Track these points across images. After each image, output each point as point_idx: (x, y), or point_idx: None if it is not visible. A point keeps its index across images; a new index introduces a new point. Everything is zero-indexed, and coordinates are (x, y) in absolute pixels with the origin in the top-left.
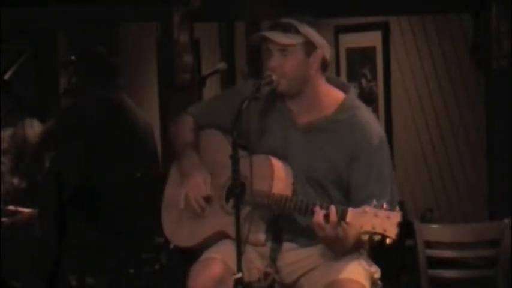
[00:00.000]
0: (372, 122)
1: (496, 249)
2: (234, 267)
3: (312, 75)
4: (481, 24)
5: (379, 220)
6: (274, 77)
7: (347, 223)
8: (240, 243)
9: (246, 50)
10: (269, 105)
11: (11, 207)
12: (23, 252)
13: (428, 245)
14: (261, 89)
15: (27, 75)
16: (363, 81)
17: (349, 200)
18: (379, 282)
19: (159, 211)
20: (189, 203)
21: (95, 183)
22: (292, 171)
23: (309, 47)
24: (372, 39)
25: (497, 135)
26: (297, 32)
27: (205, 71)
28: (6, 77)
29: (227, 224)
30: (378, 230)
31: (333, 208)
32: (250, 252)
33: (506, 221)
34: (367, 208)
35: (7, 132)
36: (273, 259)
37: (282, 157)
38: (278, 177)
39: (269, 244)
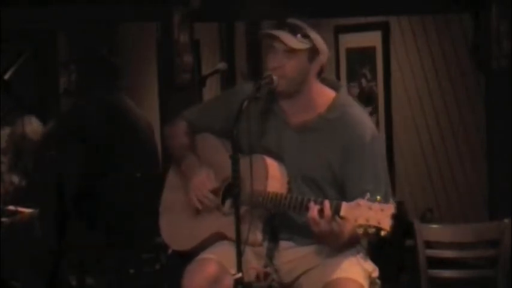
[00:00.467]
0: (364, 119)
1: (496, 249)
2: (230, 267)
3: (310, 78)
4: (481, 24)
5: (373, 213)
6: (274, 77)
7: (341, 217)
8: (239, 243)
9: (246, 50)
10: (263, 106)
11: (11, 207)
12: (23, 252)
13: (428, 245)
14: (261, 89)
15: (27, 75)
16: (363, 81)
17: (344, 198)
18: (378, 281)
19: (159, 211)
20: (194, 202)
21: (95, 184)
22: (287, 171)
23: (313, 52)
24: (372, 39)
25: (497, 135)
26: (305, 35)
27: (205, 71)
28: (6, 77)
29: (224, 224)
30: (372, 222)
31: (326, 203)
32: (246, 252)
33: (506, 221)
34: (361, 201)
35: (6, 131)
36: (270, 258)
37: (277, 158)
38: (272, 176)
39: (265, 244)
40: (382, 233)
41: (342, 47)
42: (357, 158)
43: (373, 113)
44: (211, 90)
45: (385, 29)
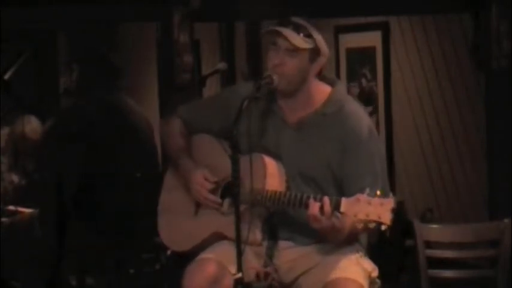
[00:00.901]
0: (361, 114)
1: (496, 249)
2: (229, 267)
3: (309, 78)
4: (481, 24)
5: (373, 207)
6: (274, 77)
7: (341, 213)
8: (240, 243)
9: (246, 50)
10: (261, 106)
11: (11, 207)
12: (23, 252)
13: (428, 245)
14: (261, 88)
15: (27, 75)
16: (363, 81)
17: (343, 194)
18: (378, 281)
19: (157, 212)
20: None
21: (95, 184)
22: (286, 169)
23: (315, 53)
24: (372, 39)
25: (497, 135)
26: (308, 35)
27: (205, 71)
28: (6, 77)
29: (223, 224)
30: (372, 217)
31: (326, 199)
32: (246, 252)
33: (506, 221)
34: (360, 196)
35: (5, 131)
36: (269, 258)
37: (275, 156)
38: (271, 175)
39: (265, 243)
40: (383, 227)
41: (342, 47)
42: (354, 153)
43: (373, 113)
44: (211, 90)
45: (385, 29)
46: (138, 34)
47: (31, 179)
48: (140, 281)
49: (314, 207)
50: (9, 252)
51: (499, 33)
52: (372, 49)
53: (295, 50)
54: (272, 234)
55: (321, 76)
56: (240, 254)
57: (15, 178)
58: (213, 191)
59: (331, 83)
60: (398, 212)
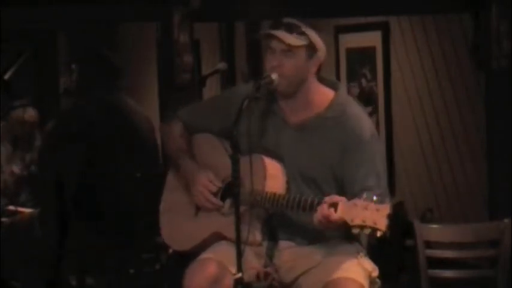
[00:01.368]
0: (363, 118)
1: (496, 249)
2: (230, 267)
3: (309, 77)
4: (481, 24)
5: (369, 213)
6: (274, 77)
7: (338, 218)
8: (239, 243)
9: (246, 50)
10: (262, 106)
11: (11, 207)
12: (23, 252)
13: (428, 245)
14: (261, 89)
15: (27, 75)
16: (363, 81)
17: (344, 196)
18: (378, 281)
19: (159, 211)
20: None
21: (95, 184)
22: (286, 170)
23: (311, 49)
24: (372, 39)
25: (497, 135)
26: (301, 33)
27: (205, 71)
28: (6, 77)
29: (223, 225)
30: (368, 223)
31: (324, 205)
32: (246, 252)
33: (506, 221)
34: (357, 201)
35: (4, 122)
36: (270, 258)
37: (276, 157)
38: (271, 176)
39: (265, 243)
40: (378, 234)
41: (342, 47)
42: (356, 156)
43: (373, 113)
44: (211, 90)
45: (385, 29)
46: (138, 34)
47: (29, 171)
48: (140, 281)
49: (321, 213)
50: (9, 252)
51: (499, 33)
52: (372, 49)
53: (290, 49)
54: (272, 235)
55: (323, 79)
56: (240, 254)
57: (15, 169)
58: (214, 193)
59: (334, 87)
60: (398, 212)
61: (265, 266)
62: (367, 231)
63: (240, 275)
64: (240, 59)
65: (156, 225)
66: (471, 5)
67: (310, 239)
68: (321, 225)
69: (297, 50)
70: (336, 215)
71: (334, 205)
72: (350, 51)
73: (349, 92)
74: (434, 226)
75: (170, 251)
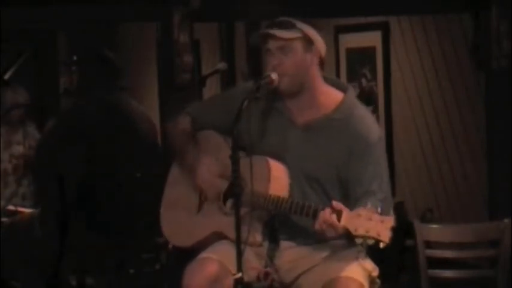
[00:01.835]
0: (370, 120)
1: (496, 249)
2: (230, 267)
3: (311, 72)
4: (481, 24)
5: (373, 224)
6: (274, 77)
7: (341, 226)
8: (239, 243)
9: (246, 50)
10: (268, 105)
11: (11, 207)
12: (23, 252)
13: (428, 245)
14: (261, 89)
15: (27, 75)
16: (363, 81)
17: (348, 199)
18: (378, 281)
19: (159, 211)
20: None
21: (95, 184)
22: (289, 172)
23: (307, 42)
24: (372, 39)
25: (497, 135)
26: (293, 27)
27: (205, 71)
28: (6, 77)
29: (224, 224)
30: (372, 234)
31: (327, 210)
32: (247, 252)
33: (506, 221)
34: (362, 211)
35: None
36: (270, 258)
37: (281, 157)
38: (275, 179)
39: (266, 244)
40: (381, 245)
41: (342, 47)
42: (362, 158)
43: (373, 113)
44: (211, 90)
45: (385, 29)
46: (138, 34)
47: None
48: (140, 281)
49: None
50: (9, 252)
51: (499, 33)
52: (372, 49)
53: (286, 45)
54: (273, 236)
55: (330, 79)
56: (240, 254)
57: (14, 153)
58: (216, 190)
59: (342, 89)
60: (399, 212)
61: (266, 266)
62: (370, 241)
63: (240, 275)
64: (240, 59)
65: (156, 225)
66: (471, 5)
67: (310, 239)
68: (321, 231)
69: (293, 44)
70: (339, 224)
71: (338, 213)
72: (350, 51)
73: None
74: (434, 226)
75: (170, 246)
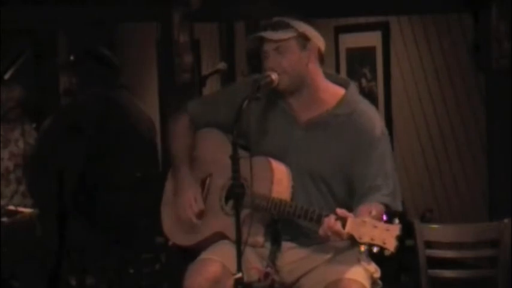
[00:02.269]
0: (374, 115)
1: (496, 249)
2: (232, 268)
3: (310, 69)
4: (481, 24)
5: (378, 232)
6: (274, 77)
7: (346, 233)
8: (240, 243)
9: (246, 50)
10: (270, 104)
11: (11, 207)
12: (23, 252)
13: (428, 245)
14: (260, 89)
15: (27, 75)
16: (363, 81)
17: (353, 196)
18: (380, 282)
19: (159, 211)
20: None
21: (95, 183)
22: (293, 171)
23: (303, 39)
24: (372, 39)
25: (497, 135)
26: (287, 26)
27: (205, 71)
28: (6, 77)
29: (226, 225)
30: (377, 242)
31: (332, 218)
32: (248, 253)
33: (506, 221)
34: (367, 218)
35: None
36: (272, 260)
37: (284, 155)
38: (278, 181)
39: (268, 245)
40: (386, 253)
41: (342, 47)
42: (366, 154)
43: None
44: (211, 90)
45: (385, 29)
46: (138, 34)
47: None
48: (140, 281)
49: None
50: (9, 252)
51: (499, 33)
52: (372, 49)
53: (281, 46)
54: (275, 237)
55: (332, 76)
56: (240, 254)
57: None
58: (215, 191)
59: (344, 84)
60: (399, 212)
61: (266, 267)
62: (375, 249)
63: (240, 275)
64: (240, 59)
65: (156, 225)
66: (471, 5)
67: (312, 240)
68: (326, 237)
69: (288, 44)
70: (344, 231)
71: (343, 220)
72: (350, 51)
73: None
74: (434, 226)
75: (170, 243)
